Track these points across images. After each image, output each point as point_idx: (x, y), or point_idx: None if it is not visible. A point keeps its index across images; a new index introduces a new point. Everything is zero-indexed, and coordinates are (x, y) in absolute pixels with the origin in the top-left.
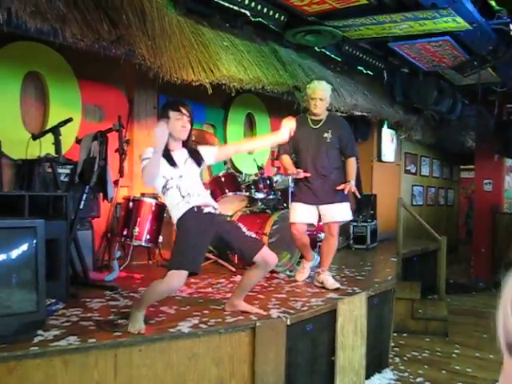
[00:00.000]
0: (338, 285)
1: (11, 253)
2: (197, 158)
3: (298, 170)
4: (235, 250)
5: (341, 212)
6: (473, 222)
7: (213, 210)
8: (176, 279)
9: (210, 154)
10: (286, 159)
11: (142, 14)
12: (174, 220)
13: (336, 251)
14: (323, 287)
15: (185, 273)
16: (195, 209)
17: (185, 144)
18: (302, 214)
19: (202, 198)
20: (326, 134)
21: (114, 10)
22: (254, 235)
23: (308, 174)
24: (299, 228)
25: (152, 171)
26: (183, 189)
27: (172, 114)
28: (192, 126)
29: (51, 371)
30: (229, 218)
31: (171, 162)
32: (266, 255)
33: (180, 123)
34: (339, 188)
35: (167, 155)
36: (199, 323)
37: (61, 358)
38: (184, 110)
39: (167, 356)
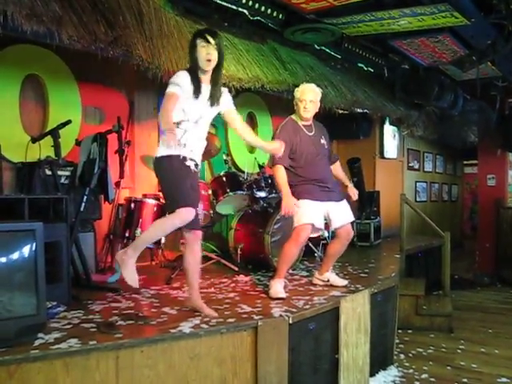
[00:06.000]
0: (346, 281)
1: (11, 256)
2: (214, 97)
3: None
4: None
5: (349, 210)
6: (477, 217)
7: (192, 166)
8: (185, 215)
9: (226, 103)
10: (283, 175)
11: (140, 14)
12: (160, 152)
13: None
14: (326, 285)
15: (193, 210)
16: (180, 157)
17: (211, 81)
18: (314, 214)
19: (192, 153)
20: (322, 141)
21: (110, 11)
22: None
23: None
24: (310, 231)
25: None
26: (187, 136)
27: (198, 41)
28: (221, 59)
29: (52, 374)
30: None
31: (197, 90)
32: (198, 234)
33: (205, 50)
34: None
35: (197, 83)
36: (201, 323)
37: (62, 360)
38: (210, 38)
39: (169, 357)
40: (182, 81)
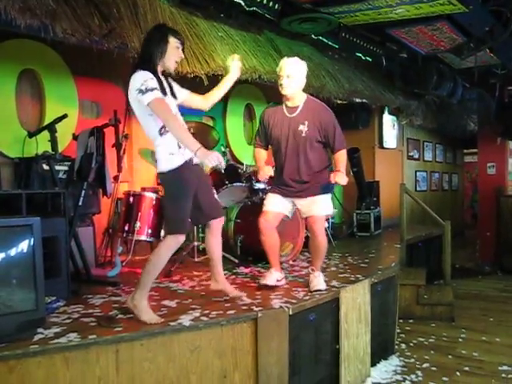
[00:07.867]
0: (320, 286)
1: (8, 252)
2: (173, 93)
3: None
4: (200, 206)
5: (319, 205)
6: (478, 205)
7: (198, 161)
8: (175, 244)
9: (181, 93)
10: (260, 156)
11: (134, 6)
12: (162, 169)
13: (326, 249)
14: (326, 276)
15: (183, 236)
16: (188, 160)
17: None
18: (274, 203)
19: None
20: (300, 127)
21: (104, 4)
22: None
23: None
24: (269, 218)
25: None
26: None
27: (173, 40)
28: None
29: (52, 369)
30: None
31: (172, 91)
32: (221, 221)
33: (178, 52)
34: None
35: (160, 80)
36: (200, 316)
37: (61, 355)
38: (183, 42)
39: (169, 349)
40: (155, 83)
